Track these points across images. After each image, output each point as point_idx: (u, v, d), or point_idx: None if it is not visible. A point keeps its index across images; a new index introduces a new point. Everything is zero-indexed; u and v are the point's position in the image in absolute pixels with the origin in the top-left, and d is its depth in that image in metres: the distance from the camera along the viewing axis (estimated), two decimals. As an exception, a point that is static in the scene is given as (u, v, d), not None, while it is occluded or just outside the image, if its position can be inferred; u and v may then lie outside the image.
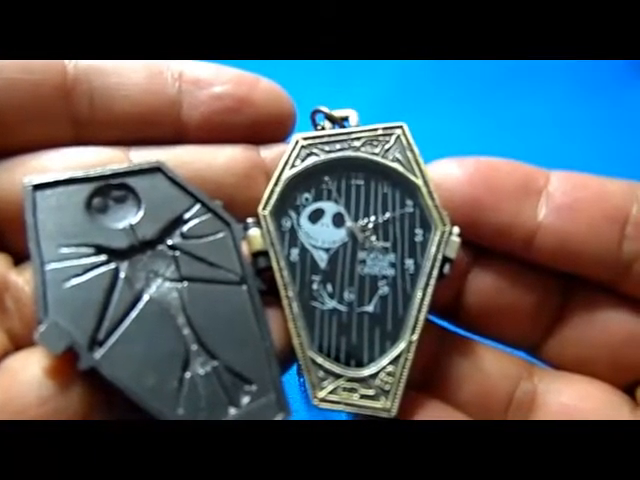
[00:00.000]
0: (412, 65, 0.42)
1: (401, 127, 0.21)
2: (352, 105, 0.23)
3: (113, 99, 0.20)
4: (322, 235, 0.21)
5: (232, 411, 0.18)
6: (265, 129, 0.21)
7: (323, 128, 0.23)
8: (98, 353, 0.17)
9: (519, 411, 0.22)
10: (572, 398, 0.21)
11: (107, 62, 0.20)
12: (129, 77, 0.20)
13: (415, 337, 0.19)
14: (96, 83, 0.20)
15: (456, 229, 0.20)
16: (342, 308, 0.20)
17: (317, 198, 0.21)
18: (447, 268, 0.20)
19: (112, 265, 0.18)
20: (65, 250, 0.18)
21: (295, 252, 0.20)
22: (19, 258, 0.19)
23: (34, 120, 0.20)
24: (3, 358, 0.17)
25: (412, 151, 0.21)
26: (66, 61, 0.20)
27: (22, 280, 0.18)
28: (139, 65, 0.21)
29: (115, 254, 0.18)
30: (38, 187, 0.18)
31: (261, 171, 0.21)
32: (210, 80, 0.21)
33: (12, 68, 0.19)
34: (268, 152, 0.21)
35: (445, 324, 0.23)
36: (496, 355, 0.22)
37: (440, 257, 0.20)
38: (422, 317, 0.20)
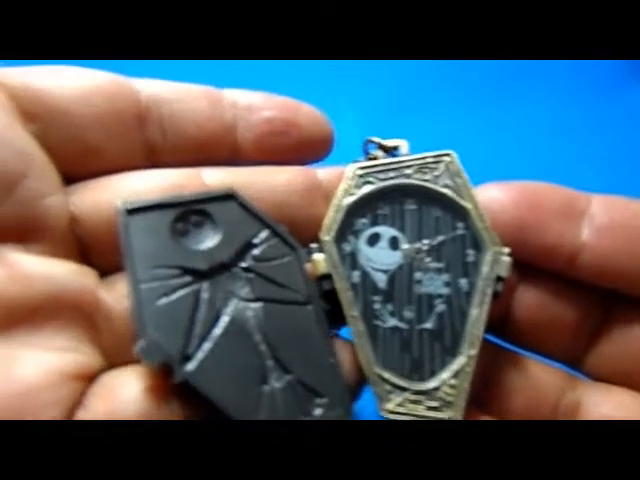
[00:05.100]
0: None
1: (449, 155, 0.24)
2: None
3: (181, 125, 0.23)
4: (380, 257, 0.23)
5: None
6: (309, 149, 0.25)
7: (375, 157, 0.25)
8: (188, 367, 0.19)
9: None
10: (612, 409, 0.24)
11: (170, 90, 0.23)
12: (192, 104, 0.23)
13: (474, 352, 0.22)
14: (164, 110, 0.23)
15: (506, 249, 0.23)
16: (403, 326, 0.22)
17: (373, 223, 0.24)
18: (500, 286, 0.23)
19: (195, 286, 0.21)
20: (155, 271, 0.20)
21: (356, 274, 0.23)
22: (102, 272, 0.21)
23: (115, 147, 0.22)
24: (99, 375, 0.20)
25: (461, 177, 0.24)
26: (137, 88, 0.23)
27: (112, 298, 0.20)
28: (198, 92, 0.24)
29: (197, 275, 0.21)
30: (130, 212, 0.20)
31: (319, 191, 0.24)
32: (260, 106, 0.24)
33: (99, 99, 0.22)
34: (324, 173, 0.24)
35: (492, 339, 0.25)
36: (542, 367, 0.25)
37: (493, 276, 0.23)
38: (479, 333, 0.22)
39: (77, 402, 0.18)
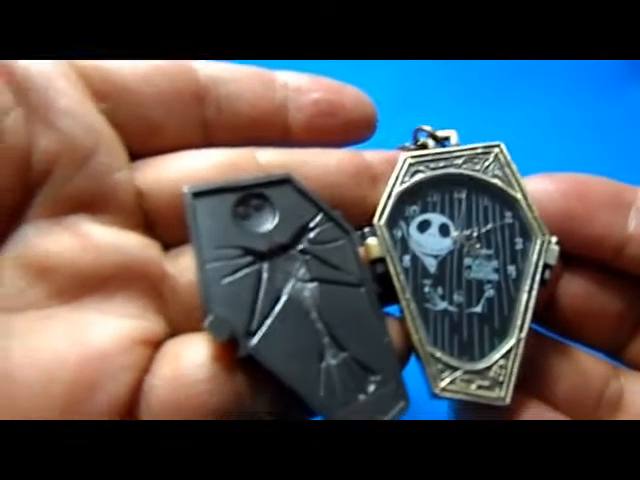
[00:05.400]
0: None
1: (498, 146, 0.25)
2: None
3: (235, 104, 0.24)
4: (430, 243, 0.24)
5: (362, 397, 0.21)
6: (354, 130, 0.25)
7: (423, 144, 0.26)
8: (253, 342, 0.20)
9: (608, 409, 0.24)
10: None
11: (224, 70, 0.24)
12: (246, 84, 0.24)
13: (523, 335, 0.23)
14: (221, 90, 0.24)
15: (554, 238, 0.24)
16: (452, 309, 0.23)
17: (424, 210, 0.24)
18: (547, 274, 0.23)
19: (256, 266, 0.22)
20: (219, 252, 0.21)
21: (407, 258, 0.24)
22: (164, 245, 0.22)
23: (176, 124, 0.23)
24: (164, 341, 0.21)
25: (510, 167, 0.25)
26: (196, 68, 0.23)
27: (177, 271, 0.21)
28: (252, 73, 0.25)
29: (258, 256, 0.22)
30: (196, 195, 0.21)
31: (367, 173, 0.25)
32: (308, 87, 0.25)
33: (161, 78, 0.23)
34: (371, 156, 0.25)
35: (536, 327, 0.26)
36: (587, 356, 0.25)
37: (541, 264, 0.23)
38: (528, 317, 0.23)
39: (146, 367, 0.19)
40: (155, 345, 0.20)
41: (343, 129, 0.25)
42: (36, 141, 0.20)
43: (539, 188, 0.25)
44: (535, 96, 0.45)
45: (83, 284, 0.20)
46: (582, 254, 0.25)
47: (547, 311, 0.25)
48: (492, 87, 0.45)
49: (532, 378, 0.24)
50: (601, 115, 0.44)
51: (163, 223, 0.22)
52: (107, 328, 0.19)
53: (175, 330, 0.21)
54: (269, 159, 0.24)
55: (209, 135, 0.24)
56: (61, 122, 0.20)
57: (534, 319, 0.25)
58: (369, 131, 0.26)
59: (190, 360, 0.20)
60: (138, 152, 0.23)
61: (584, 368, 0.25)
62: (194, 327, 0.20)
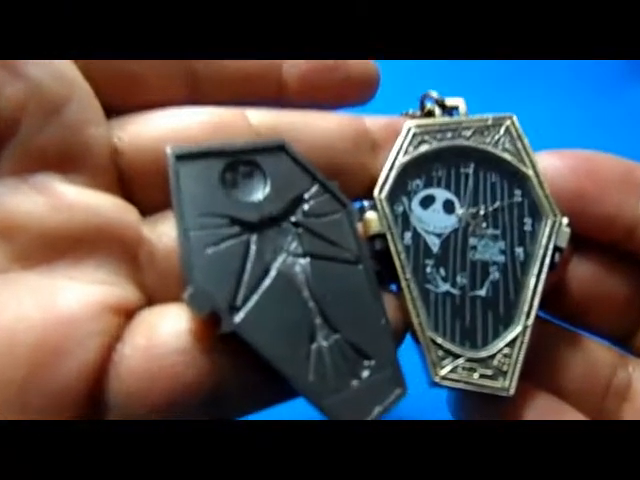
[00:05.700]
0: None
1: (510, 118, 0.23)
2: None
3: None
4: (433, 220, 0.22)
5: (354, 383, 0.20)
6: (354, 89, 0.23)
7: (430, 112, 0.24)
8: (237, 318, 0.18)
9: (615, 398, 0.23)
10: None
11: None
12: None
13: (530, 322, 0.21)
14: None
15: (565, 220, 0.22)
16: (455, 291, 0.22)
17: (427, 184, 0.23)
18: (557, 257, 0.22)
19: (244, 237, 0.20)
20: (204, 220, 0.19)
21: (408, 236, 0.22)
22: (142, 211, 0.20)
23: (157, 75, 0.21)
24: (139, 310, 0.19)
25: (522, 141, 0.23)
26: None
27: (155, 236, 0.19)
28: None
29: (246, 227, 0.20)
30: (180, 157, 0.19)
31: (366, 139, 0.23)
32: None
33: None
34: (371, 122, 0.23)
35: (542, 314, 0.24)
36: (595, 344, 0.24)
37: (551, 246, 0.22)
38: (536, 303, 0.21)
39: (117, 335, 0.18)
40: (128, 314, 0.18)
41: (342, 86, 0.23)
42: (1, 89, 0.18)
43: (547, 165, 0.23)
44: (535, 96, 0.44)
45: (51, 247, 0.18)
46: (592, 235, 0.23)
47: (553, 297, 0.24)
48: (492, 87, 0.44)
49: (538, 366, 0.23)
50: (601, 115, 0.44)
51: (141, 185, 0.20)
52: (75, 294, 0.18)
53: (151, 299, 0.19)
54: (261, 120, 0.22)
55: (196, 89, 0.22)
56: (28, 69, 0.18)
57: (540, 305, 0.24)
58: (370, 90, 0.24)
59: (166, 330, 0.18)
60: (116, 107, 0.20)
61: (593, 356, 0.23)
62: (172, 297, 0.19)
